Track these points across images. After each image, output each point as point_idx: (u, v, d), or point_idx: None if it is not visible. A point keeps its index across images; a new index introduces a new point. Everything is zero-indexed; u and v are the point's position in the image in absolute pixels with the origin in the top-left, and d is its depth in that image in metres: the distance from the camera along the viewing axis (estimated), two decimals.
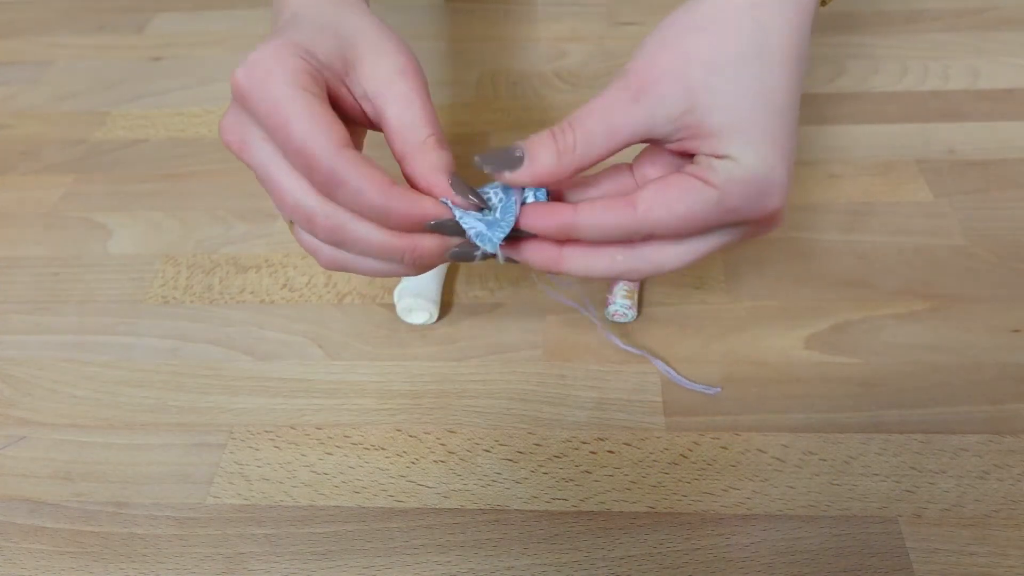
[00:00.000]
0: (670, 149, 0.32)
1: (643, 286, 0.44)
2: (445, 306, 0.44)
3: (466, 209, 0.30)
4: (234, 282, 0.46)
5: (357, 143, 0.33)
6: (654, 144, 0.32)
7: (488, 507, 0.35)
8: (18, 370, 0.42)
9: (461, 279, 0.45)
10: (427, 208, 0.30)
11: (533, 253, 0.32)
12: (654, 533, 0.34)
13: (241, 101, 0.30)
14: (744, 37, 0.30)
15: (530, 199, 0.31)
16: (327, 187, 0.29)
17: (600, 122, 0.30)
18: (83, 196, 0.53)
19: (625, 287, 0.42)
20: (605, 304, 0.42)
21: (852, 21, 0.63)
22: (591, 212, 0.30)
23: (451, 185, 0.30)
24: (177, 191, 0.53)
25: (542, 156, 0.30)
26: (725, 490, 0.35)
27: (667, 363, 0.40)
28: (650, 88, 0.30)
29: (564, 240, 0.32)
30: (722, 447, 0.37)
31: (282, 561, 0.34)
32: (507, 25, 0.66)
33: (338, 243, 0.31)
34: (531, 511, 0.35)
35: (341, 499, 0.36)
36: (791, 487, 0.35)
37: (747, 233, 0.33)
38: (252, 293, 0.45)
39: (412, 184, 0.31)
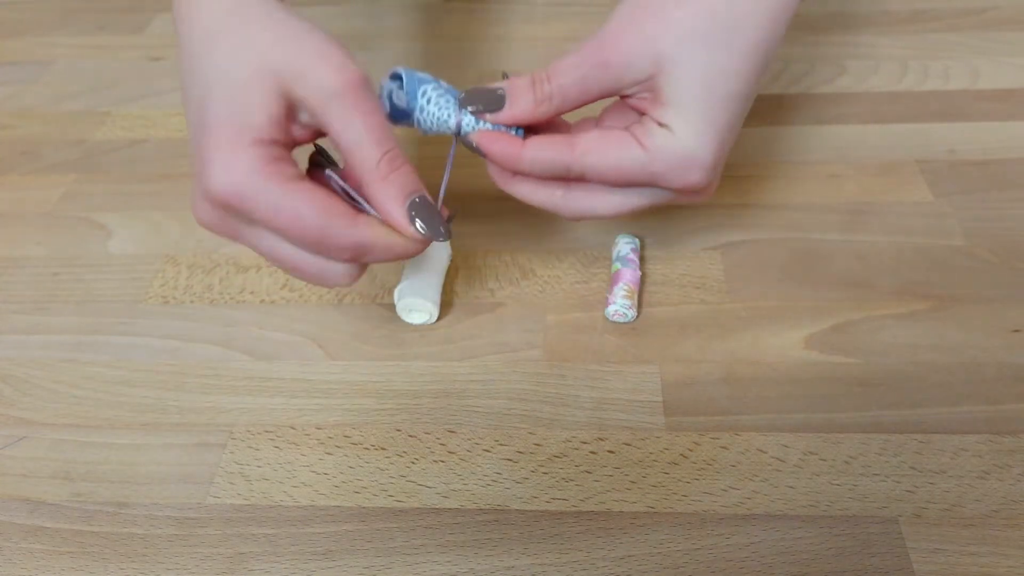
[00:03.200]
0: (631, 104, 0.35)
1: (643, 286, 0.44)
2: (445, 306, 0.43)
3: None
4: (234, 282, 0.46)
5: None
6: (622, 98, 0.36)
7: (488, 507, 0.35)
8: (18, 370, 0.42)
9: (461, 279, 0.45)
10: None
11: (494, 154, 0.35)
12: (654, 533, 0.34)
13: (231, 210, 0.31)
14: (719, 19, 0.32)
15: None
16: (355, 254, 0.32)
17: (574, 81, 0.34)
18: (83, 196, 0.53)
19: (625, 287, 0.42)
20: (605, 304, 0.42)
21: (852, 21, 0.63)
22: (535, 145, 0.34)
23: (410, 216, 0.32)
24: (177, 191, 0.53)
25: (521, 102, 0.34)
26: (725, 490, 0.35)
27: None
28: (622, 55, 0.33)
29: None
30: (722, 447, 0.37)
31: (282, 561, 0.34)
32: (507, 25, 0.66)
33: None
34: (531, 511, 0.35)
35: (341, 499, 0.36)
36: (791, 487, 0.35)
37: (675, 198, 0.36)
38: (252, 293, 0.45)
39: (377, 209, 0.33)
